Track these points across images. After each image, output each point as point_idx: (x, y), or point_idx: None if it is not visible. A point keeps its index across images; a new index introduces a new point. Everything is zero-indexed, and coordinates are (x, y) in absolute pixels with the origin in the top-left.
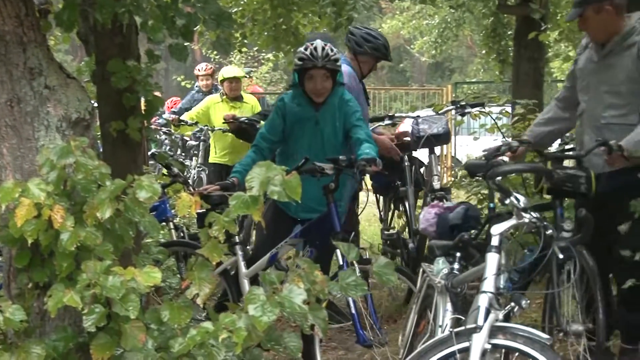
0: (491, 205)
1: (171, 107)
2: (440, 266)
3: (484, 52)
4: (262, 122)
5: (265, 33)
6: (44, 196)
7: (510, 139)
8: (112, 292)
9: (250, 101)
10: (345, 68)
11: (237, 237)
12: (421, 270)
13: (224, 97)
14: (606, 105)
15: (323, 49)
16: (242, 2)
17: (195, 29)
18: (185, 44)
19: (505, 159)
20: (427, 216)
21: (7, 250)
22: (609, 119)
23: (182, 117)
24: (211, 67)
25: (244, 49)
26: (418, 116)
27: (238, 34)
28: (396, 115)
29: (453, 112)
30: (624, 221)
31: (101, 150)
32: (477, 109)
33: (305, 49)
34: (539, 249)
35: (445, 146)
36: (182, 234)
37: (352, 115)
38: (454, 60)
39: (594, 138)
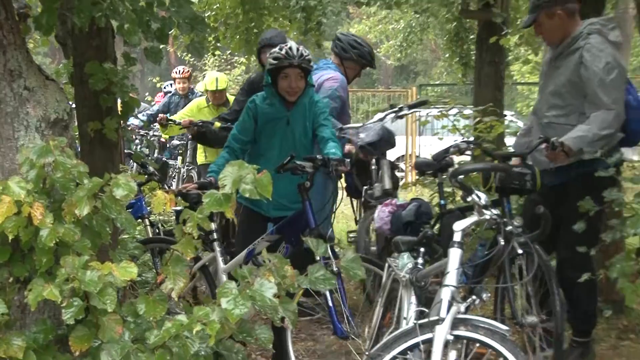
0: (442, 202)
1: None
2: (405, 261)
3: (447, 55)
4: (217, 124)
5: (238, 37)
6: (24, 194)
7: (471, 139)
8: (90, 286)
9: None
10: (337, 75)
11: (214, 233)
12: (387, 265)
13: (210, 103)
14: (550, 105)
15: (298, 49)
16: (215, 7)
17: (170, 32)
18: (160, 46)
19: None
20: (381, 215)
21: None
22: (551, 118)
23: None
24: (188, 71)
25: (217, 52)
26: (362, 125)
27: (211, 38)
28: (343, 127)
29: (391, 115)
30: (570, 217)
31: (79, 149)
32: (437, 110)
33: (280, 49)
34: (488, 244)
35: (410, 146)
36: (157, 230)
37: (320, 115)
38: (419, 64)
39: (538, 136)
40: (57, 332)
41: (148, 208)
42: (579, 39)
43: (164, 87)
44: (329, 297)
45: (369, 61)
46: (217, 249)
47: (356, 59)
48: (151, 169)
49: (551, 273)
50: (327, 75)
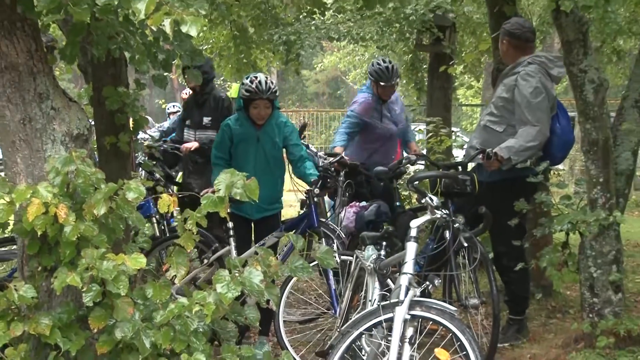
0: (397, 203)
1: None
2: (370, 252)
3: (404, 82)
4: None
5: (230, 65)
6: (50, 197)
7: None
8: (106, 274)
9: None
10: (360, 97)
11: (231, 230)
12: (354, 256)
13: None
14: (488, 112)
15: (266, 83)
16: (211, 41)
17: (173, 62)
18: (165, 74)
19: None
20: (347, 215)
21: (21, 240)
22: (487, 122)
23: None
24: None
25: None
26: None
27: None
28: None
29: None
30: (503, 214)
31: (97, 159)
32: None
33: (251, 82)
34: (437, 239)
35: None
36: (162, 227)
37: (291, 135)
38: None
39: (475, 137)
40: (78, 313)
41: (155, 208)
42: (520, 65)
43: (168, 108)
44: (331, 279)
45: (377, 77)
46: (232, 243)
47: (375, 78)
48: (157, 175)
49: (489, 263)
50: (355, 99)
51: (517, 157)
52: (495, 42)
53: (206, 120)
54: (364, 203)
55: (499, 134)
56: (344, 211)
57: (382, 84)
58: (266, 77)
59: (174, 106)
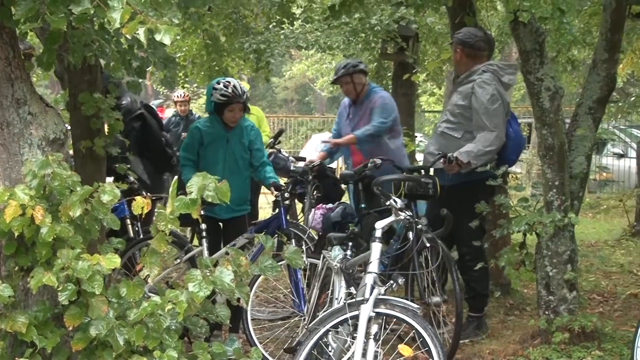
0: (362, 205)
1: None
2: (336, 253)
3: None
4: None
5: (202, 73)
6: (27, 199)
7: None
8: (81, 274)
9: (256, 113)
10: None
11: (203, 232)
12: (322, 255)
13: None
14: (445, 119)
15: (240, 87)
16: (184, 49)
17: (147, 69)
18: (140, 80)
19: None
20: (315, 216)
21: None
22: (444, 129)
23: None
24: (188, 95)
25: (186, 85)
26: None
27: (181, 74)
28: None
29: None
30: (464, 216)
31: (73, 163)
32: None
33: (227, 87)
34: (399, 240)
35: (340, 161)
36: (136, 229)
37: (256, 139)
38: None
39: (432, 143)
40: (54, 311)
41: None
42: (475, 74)
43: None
44: (300, 278)
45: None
46: (204, 244)
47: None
48: (131, 178)
49: (451, 263)
50: None
51: (476, 161)
52: None
53: None
54: (330, 205)
55: (457, 140)
56: (312, 212)
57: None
58: (238, 82)
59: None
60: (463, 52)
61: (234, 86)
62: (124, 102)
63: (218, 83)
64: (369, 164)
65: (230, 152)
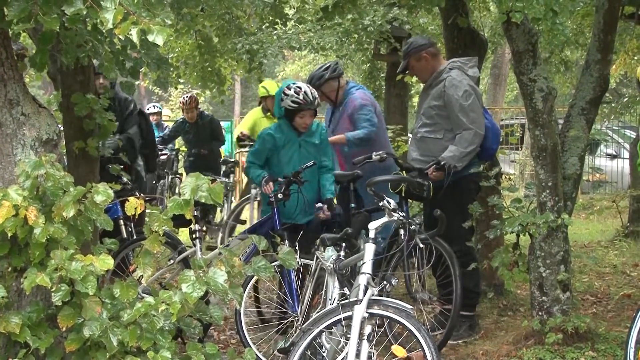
0: (352, 205)
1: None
2: (330, 253)
3: None
4: None
5: (195, 74)
6: (20, 199)
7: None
8: (74, 274)
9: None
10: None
11: (197, 232)
12: (315, 256)
13: (268, 113)
14: (422, 124)
15: (312, 93)
16: (177, 50)
17: (140, 69)
18: (133, 81)
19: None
20: None
21: None
22: (424, 133)
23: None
24: (195, 99)
25: (179, 86)
26: None
27: (174, 74)
28: None
29: None
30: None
31: (66, 163)
32: None
33: (298, 94)
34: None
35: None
36: (129, 229)
37: (325, 140)
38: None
39: (414, 149)
40: (47, 312)
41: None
42: (443, 73)
43: (148, 109)
44: (293, 279)
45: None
46: (198, 245)
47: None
48: (125, 179)
49: (454, 259)
50: None
51: (461, 163)
52: (449, 52)
53: None
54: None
55: (439, 141)
56: None
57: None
58: (308, 86)
59: (154, 107)
60: (429, 53)
61: (305, 92)
62: (129, 97)
63: (289, 88)
64: (374, 156)
65: (303, 156)
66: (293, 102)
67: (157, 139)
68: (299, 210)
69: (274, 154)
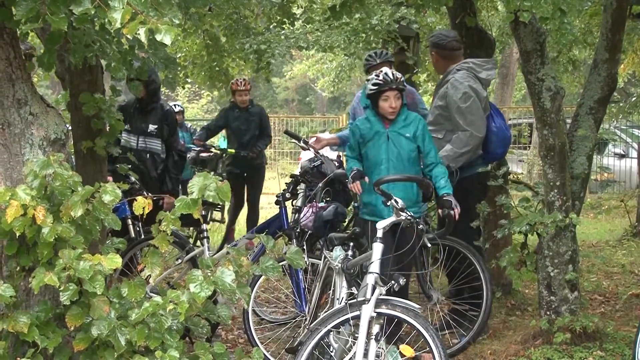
0: (355, 204)
1: None
2: (338, 253)
3: None
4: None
5: (203, 73)
6: (29, 199)
7: None
8: (82, 274)
9: None
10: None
11: (205, 232)
12: (323, 256)
13: None
14: (428, 122)
15: (393, 73)
16: (184, 49)
17: (148, 69)
18: (140, 81)
19: None
20: (306, 214)
21: (0, 241)
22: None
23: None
24: (249, 83)
25: (186, 85)
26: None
27: (181, 74)
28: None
29: None
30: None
31: (74, 163)
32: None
33: (378, 76)
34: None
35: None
36: (137, 229)
37: (424, 132)
38: (348, 95)
39: None
40: (55, 311)
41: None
42: (450, 73)
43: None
44: (301, 279)
45: None
46: (206, 244)
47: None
48: (132, 179)
49: (475, 254)
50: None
51: (455, 164)
52: None
53: (152, 127)
54: (322, 204)
55: (439, 141)
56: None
57: None
58: (391, 69)
59: (176, 106)
60: (438, 54)
61: (385, 73)
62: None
63: (371, 75)
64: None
65: (392, 150)
66: (374, 84)
67: (198, 134)
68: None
69: (363, 147)
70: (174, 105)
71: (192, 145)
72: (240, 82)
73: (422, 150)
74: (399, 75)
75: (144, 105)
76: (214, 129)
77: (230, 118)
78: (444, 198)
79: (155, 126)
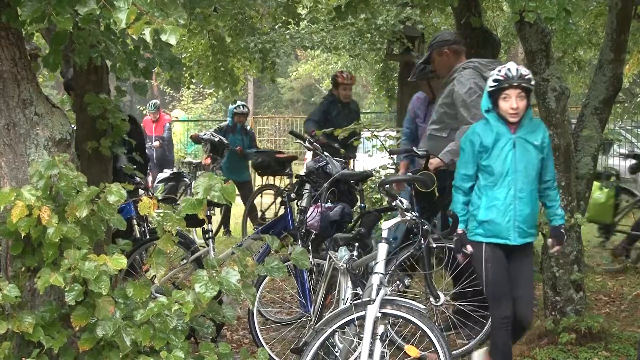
0: (362, 205)
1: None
2: (343, 253)
3: (376, 89)
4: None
5: (208, 74)
6: (34, 199)
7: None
8: (88, 274)
9: None
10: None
11: (209, 232)
12: (328, 256)
13: None
14: (432, 121)
15: (517, 69)
16: (189, 50)
17: (153, 70)
18: (146, 81)
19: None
20: (312, 215)
21: (5, 241)
22: (432, 131)
23: None
24: (353, 76)
25: (191, 86)
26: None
27: (187, 74)
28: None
29: None
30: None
31: (79, 164)
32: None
33: (499, 71)
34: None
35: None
36: (143, 229)
37: (548, 144)
38: (353, 96)
39: (422, 147)
40: (61, 312)
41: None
42: (456, 72)
43: (237, 108)
44: (306, 279)
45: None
46: (211, 244)
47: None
48: (137, 179)
49: None
50: None
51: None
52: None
53: None
54: (328, 204)
55: (444, 139)
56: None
57: None
58: (517, 65)
59: (242, 106)
60: (450, 50)
61: (508, 69)
62: None
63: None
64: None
65: (520, 159)
66: (494, 80)
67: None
68: (512, 227)
69: (484, 159)
70: (239, 105)
71: (250, 150)
72: (346, 75)
73: (545, 162)
74: (524, 71)
75: None
76: (318, 120)
77: (332, 111)
78: (561, 230)
79: None
